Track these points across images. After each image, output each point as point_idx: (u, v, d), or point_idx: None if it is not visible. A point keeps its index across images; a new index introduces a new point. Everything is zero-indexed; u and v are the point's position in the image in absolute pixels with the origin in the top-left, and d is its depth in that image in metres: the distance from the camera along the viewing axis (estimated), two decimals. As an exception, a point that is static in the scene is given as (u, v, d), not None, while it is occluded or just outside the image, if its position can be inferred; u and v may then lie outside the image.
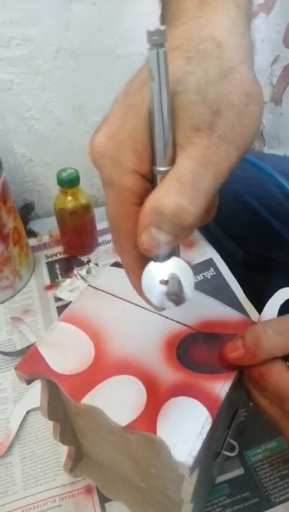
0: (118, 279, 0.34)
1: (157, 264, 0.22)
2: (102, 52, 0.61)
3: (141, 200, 0.21)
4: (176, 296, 0.22)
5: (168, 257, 0.22)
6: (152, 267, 0.22)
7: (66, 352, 0.29)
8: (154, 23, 0.62)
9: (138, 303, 0.32)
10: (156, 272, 0.22)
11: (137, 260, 0.23)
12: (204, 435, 0.24)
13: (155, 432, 0.24)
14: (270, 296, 0.31)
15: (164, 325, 0.30)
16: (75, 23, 0.58)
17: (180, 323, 0.30)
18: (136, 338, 0.29)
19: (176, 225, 0.20)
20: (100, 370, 0.28)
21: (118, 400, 0.26)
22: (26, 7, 0.55)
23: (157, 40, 0.18)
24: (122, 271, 0.36)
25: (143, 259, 0.23)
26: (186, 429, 0.24)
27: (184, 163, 0.20)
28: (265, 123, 0.80)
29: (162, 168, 0.20)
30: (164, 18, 0.26)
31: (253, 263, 0.63)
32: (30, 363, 0.29)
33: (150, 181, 0.21)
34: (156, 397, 0.26)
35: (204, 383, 0.26)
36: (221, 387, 0.26)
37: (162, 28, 0.18)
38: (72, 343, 0.30)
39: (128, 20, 0.59)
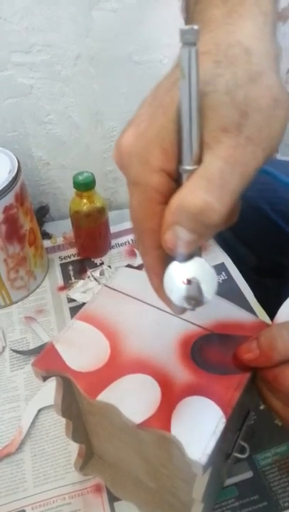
0: (134, 280, 0.35)
1: (180, 264, 0.22)
2: (121, 58, 0.62)
3: (166, 199, 0.21)
4: (195, 300, 0.22)
5: (190, 257, 0.22)
6: (175, 267, 0.22)
7: (82, 350, 0.30)
8: (172, 30, 0.63)
9: (153, 303, 0.32)
10: (179, 273, 0.22)
11: (159, 261, 0.23)
12: (218, 434, 0.24)
13: (169, 430, 0.25)
14: (282, 302, 0.31)
15: (179, 326, 0.31)
16: (94, 29, 0.59)
17: (195, 324, 0.31)
18: (151, 338, 0.30)
19: (202, 222, 0.20)
20: (115, 368, 0.28)
21: (133, 398, 0.26)
22: (48, 13, 0.57)
23: (190, 39, 0.19)
24: (137, 272, 0.37)
25: (165, 260, 0.23)
26: (200, 428, 0.25)
27: (211, 162, 0.20)
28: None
29: (189, 167, 0.21)
30: None
31: (265, 269, 0.63)
32: (47, 360, 0.29)
33: (175, 181, 0.22)
34: (171, 396, 0.26)
35: (218, 383, 0.27)
36: (235, 387, 0.27)
37: (195, 27, 0.18)
38: (88, 341, 0.30)
39: (147, 27, 0.60)
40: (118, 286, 0.34)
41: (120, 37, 0.61)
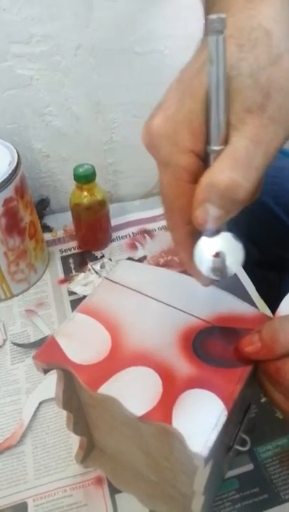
0: (135, 273, 0.35)
1: (209, 239, 0.24)
2: (122, 49, 0.62)
3: (195, 178, 0.22)
4: (221, 272, 0.24)
5: (218, 232, 0.24)
6: (205, 241, 0.24)
7: (83, 342, 0.30)
8: (173, 21, 0.62)
9: (154, 296, 0.32)
10: (208, 246, 0.24)
11: (188, 237, 0.25)
12: (220, 427, 0.24)
13: (170, 423, 0.25)
14: (284, 295, 0.31)
15: (181, 318, 0.30)
16: (95, 19, 0.58)
17: (196, 317, 0.31)
18: (152, 331, 0.30)
19: (230, 199, 0.21)
20: (116, 361, 0.28)
21: (134, 391, 0.26)
22: (48, 3, 0.56)
23: (217, 27, 0.20)
24: (138, 264, 0.37)
25: (194, 236, 0.24)
26: (201, 420, 0.25)
27: (238, 142, 0.21)
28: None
29: (217, 148, 0.22)
30: (210, 12, 0.27)
31: (267, 262, 0.63)
32: (48, 353, 0.29)
33: (203, 161, 0.23)
34: (172, 389, 0.26)
35: (220, 376, 0.27)
36: (237, 380, 0.26)
37: (223, 16, 0.20)
38: (89, 334, 0.30)
39: (148, 17, 0.60)
40: (119, 279, 0.34)
41: (121, 27, 0.60)
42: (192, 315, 0.31)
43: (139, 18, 0.59)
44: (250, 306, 0.31)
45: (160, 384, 0.27)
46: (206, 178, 0.22)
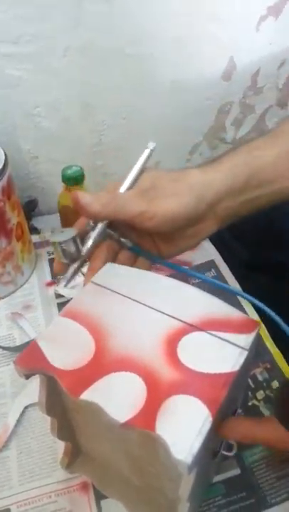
0: (120, 276, 0.34)
1: None
2: (112, 50, 0.61)
3: None
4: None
5: None
6: None
7: (66, 347, 0.29)
8: (164, 23, 0.61)
9: (139, 300, 0.32)
10: None
11: None
12: (204, 434, 0.24)
13: (154, 430, 0.24)
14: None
15: (166, 323, 0.30)
16: (85, 20, 0.58)
17: (182, 320, 0.30)
18: (137, 336, 0.29)
19: None
20: (99, 366, 0.28)
21: (117, 397, 0.26)
22: (37, 2, 0.55)
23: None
24: (123, 268, 0.36)
25: None
26: (185, 427, 0.24)
27: None
28: (271, 127, 0.80)
29: None
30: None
31: (256, 264, 0.63)
32: (29, 358, 0.29)
33: None
34: (156, 395, 0.26)
35: (205, 381, 0.26)
36: (222, 386, 0.26)
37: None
38: (72, 338, 0.30)
39: (139, 19, 0.59)
40: (104, 282, 0.34)
41: (112, 28, 0.59)
42: (177, 319, 0.30)
43: (129, 20, 0.59)
44: (237, 310, 0.31)
45: (144, 390, 0.26)
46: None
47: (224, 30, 0.64)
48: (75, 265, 0.36)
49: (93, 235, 0.37)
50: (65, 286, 0.37)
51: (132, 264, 0.39)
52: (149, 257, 0.39)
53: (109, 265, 0.36)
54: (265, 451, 0.43)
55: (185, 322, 0.30)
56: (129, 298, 0.32)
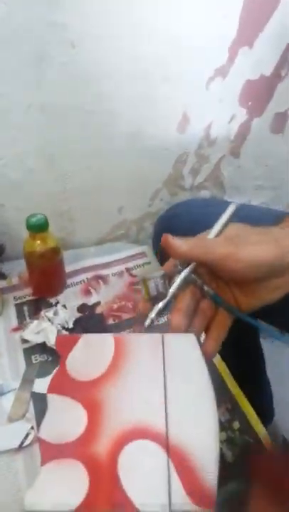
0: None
1: None
2: (72, 108, 0.66)
3: None
4: None
5: None
6: None
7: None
8: (120, 82, 0.66)
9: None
10: None
11: None
12: None
13: None
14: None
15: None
16: (45, 81, 0.62)
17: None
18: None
19: None
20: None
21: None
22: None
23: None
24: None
25: None
26: None
27: None
28: (225, 174, 0.86)
29: None
30: None
31: None
32: None
33: None
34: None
35: None
36: None
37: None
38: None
39: (97, 78, 0.64)
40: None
41: (72, 88, 0.64)
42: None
43: (88, 79, 0.64)
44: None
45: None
46: None
47: (176, 89, 0.70)
48: (161, 305, 0.37)
49: (180, 277, 0.38)
50: (147, 325, 0.37)
51: (212, 314, 0.40)
52: (229, 308, 0.39)
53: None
54: (227, 492, 0.43)
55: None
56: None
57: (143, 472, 0.27)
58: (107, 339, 0.37)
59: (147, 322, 0.37)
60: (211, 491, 0.27)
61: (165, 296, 0.37)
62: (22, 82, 0.61)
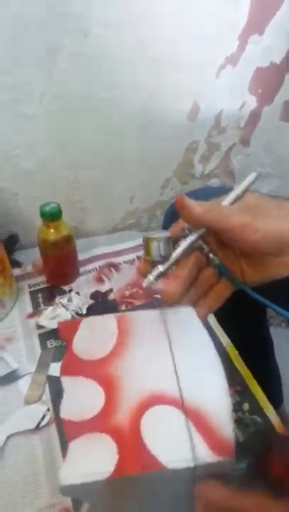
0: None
1: None
2: (86, 96, 0.66)
3: None
4: None
5: None
6: None
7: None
8: (134, 69, 0.66)
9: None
10: None
11: None
12: None
13: None
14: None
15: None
16: (58, 71, 0.63)
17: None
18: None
19: None
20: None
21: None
22: (12, 53, 0.60)
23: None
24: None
25: None
26: None
27: None
28: (235, 162, 0.86)
29: None
30: None
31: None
32: None
33: None
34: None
35: None
36: None
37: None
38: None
39: (109, 66, 0.65)
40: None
41: (83, 78, 0.65)
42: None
43: (100, 67, 0.64)
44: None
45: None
46: None
47: (187, 77, 0.70)
48: (161, 268, 0.35)
49: (186, 242, 0.35)
50: (146, 285, 0.35)
51: (213, 284, 0.38)
52: (233, 279, 0.37)
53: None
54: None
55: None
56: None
57: (165, 433, 0.28)
58: (109, 319, 0.37)
59: (146, 283, 0.35)
60: (230, 442, 0.28)
61: (166, 259, 0.35)
62: (34, 72, 0.62)
